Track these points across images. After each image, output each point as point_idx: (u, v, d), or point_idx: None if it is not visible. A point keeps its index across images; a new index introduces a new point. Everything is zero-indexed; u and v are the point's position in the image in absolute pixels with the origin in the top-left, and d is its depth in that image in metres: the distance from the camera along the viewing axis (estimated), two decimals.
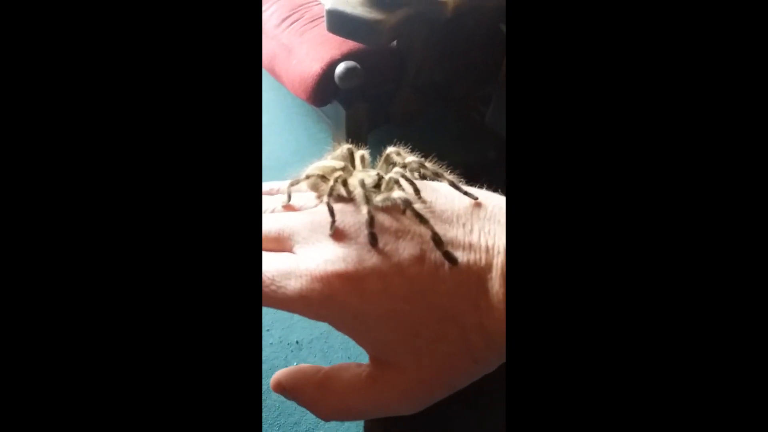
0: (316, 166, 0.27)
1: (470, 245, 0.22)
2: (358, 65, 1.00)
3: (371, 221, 0.22)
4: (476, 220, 0.23)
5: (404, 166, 0.26)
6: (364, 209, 0.23)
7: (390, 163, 0.27)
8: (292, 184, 0.27)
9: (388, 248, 0.22)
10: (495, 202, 0.24)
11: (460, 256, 0.22)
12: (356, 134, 1.12)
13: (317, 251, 0.23)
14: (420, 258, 0.22)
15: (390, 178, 0.24)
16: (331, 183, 0.25)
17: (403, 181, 0.24)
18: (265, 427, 0.95)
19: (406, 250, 0.22)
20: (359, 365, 0.24)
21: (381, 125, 1.24)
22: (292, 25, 1.16)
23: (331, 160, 0.28)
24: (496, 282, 0.21)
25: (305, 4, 1.22)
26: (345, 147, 0.28)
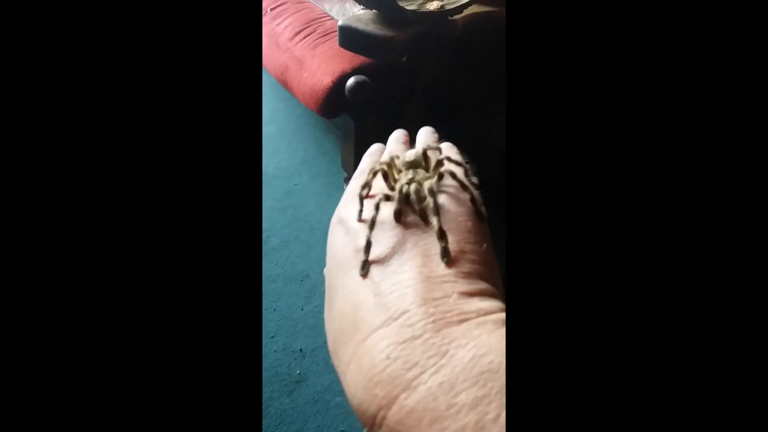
0: (406, 155, 0.30)
1: (389, 276, 0.23)
2: (367, 79, 1.02)
3: (375, 212, 0.27)
4: (417, 279, 0.22)
5: (440, 176, 0.29)
6: (363, 192, 0.29)
7: (436, 167, 0.30)
8: (392, 155, 0.32)
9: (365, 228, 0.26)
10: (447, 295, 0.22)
11: (374, 273, 0.24)
12: (364, 146, 1.13)
13: (350, 196, 0.30)
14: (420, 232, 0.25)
15: (409, 189, 0.26)
16: (370, 175, 0.29)
17: (413, 198, 0.27)
18: None
19: (415, 220, 0.26)
20: None
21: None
22: (305, 39, 1.19)
23: (415, 153, 0.31)
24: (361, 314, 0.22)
25: (318, 18, 1.26)
26: (433, 148, 0.32)
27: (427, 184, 0.26)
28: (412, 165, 0.30)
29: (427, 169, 0.30)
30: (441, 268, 0.23)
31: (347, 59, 1.07)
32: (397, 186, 0.27)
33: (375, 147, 0.38)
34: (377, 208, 0.26)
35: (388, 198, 0.27)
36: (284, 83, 1.19)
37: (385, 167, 0.30)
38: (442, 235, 0.24)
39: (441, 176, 0.29)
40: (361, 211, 0.27)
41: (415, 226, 0.26)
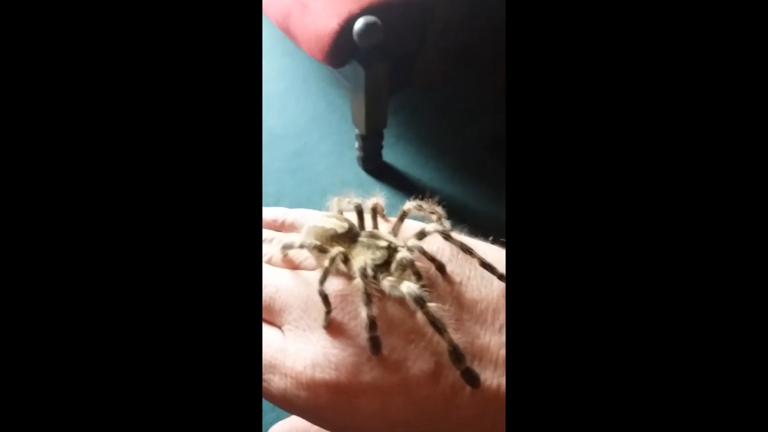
0: (313, 229, 0.23)
1: (503, 359, 0.18)
2: (378, 21, 0.92)
3: (372, 326, 0.19)
4: None
5: (422, 236, 0.22)
6: (363, 312, 0.19)
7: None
8: (284, 248, 0.23)
9: (393, 357, 0.19)
10: None
11: (488, 375, 0.18)
12: (376, 97, 1.04)
13: (307, 345, 0.20)
14: (434, 375, 0.18)
15: (401, 259, 0.20)
16: (326, 264, 0.21)
17: (420, 260, 0.20)
18: None
19: (417, 362, 0.19)
20: None
21: (403, 89, 1.16)
22: None
23: (334, 218, 0.23)
24: None
25: None
26: (353, 202, 0.25)
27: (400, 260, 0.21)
28: (344, 235, 0.22)
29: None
30: (500, 283, 0.20)
31: None
32: (395, 266, 0.20)
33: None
34: (454, 350, 0.18)
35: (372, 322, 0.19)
36: (287, 30, 1.09)
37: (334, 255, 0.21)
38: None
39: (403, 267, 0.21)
40: (374, 339, 0.19)
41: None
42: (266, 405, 0.22)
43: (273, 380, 0.20)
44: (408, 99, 1.39)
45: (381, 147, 1.24)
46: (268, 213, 0.27)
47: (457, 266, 0.21)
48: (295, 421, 0.25)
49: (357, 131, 1.18)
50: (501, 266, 0.20)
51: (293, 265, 0.23)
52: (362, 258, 0.21)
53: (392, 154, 1.31)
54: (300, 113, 1.44)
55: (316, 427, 0.23)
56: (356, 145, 1.23)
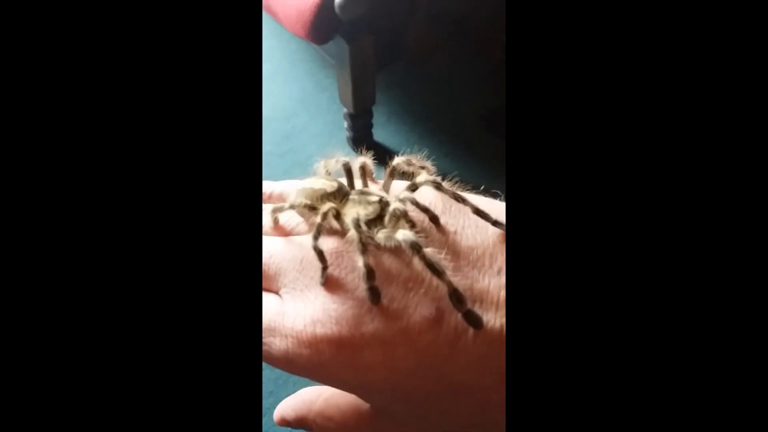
0: (302, 190, 0.23)
1: (503, 301, 0.18)
2: None
3: (370, 275, 0.19)
4: None
5: (414, 188, 0.22)
6: (360, 261, 0.19)
7: (398, 178, 0.25)
8: (275, 211, 0.23)
9: (393, 306, 0.19)
10: None
11: (490, 317, 0.18)
12: (363, 73, 0.99)
13: (306, 304, 0.20)
14: (435, 321, 0.19)
15: (395, 210, 0.21)
16: (318, 220, 0.21)
17: (413, 212, 0.21)
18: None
19: (417, 309, 0.19)
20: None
21: (392, 64, 1.11)
22: None
23: (322, 178, 0.24)
24: None
25: None
26: (341, 161, 0.25)
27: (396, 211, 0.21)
28: (334, 193, 0.23)
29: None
30: (495, 229, 0.21)
31: None
32: (388, 218, 0.21)
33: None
34: (454, 292, 0.18)
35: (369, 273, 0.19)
36: (267, 8, 1.04)
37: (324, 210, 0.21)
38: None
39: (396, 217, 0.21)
40: (373, 289, 0.19)
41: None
42: (264, 390, 0.20)
43: (274, 342, 0.20)
44: (399, 74, 1.34)
45: (371, 126, 1.19)
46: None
47: (451, 217, 0.21)
48: (303, 394, 0.25)
49: (345, 110, 1.13)
50: (494, 214, 0.20)
51: (285, 233, 0.23)
52: (354, 211, 0.21)
53: (384, 134, 1.26)
54: (288, 95, 1.39)
55: (324, 396, 0.23)
56: (345, 124, 1.18)
